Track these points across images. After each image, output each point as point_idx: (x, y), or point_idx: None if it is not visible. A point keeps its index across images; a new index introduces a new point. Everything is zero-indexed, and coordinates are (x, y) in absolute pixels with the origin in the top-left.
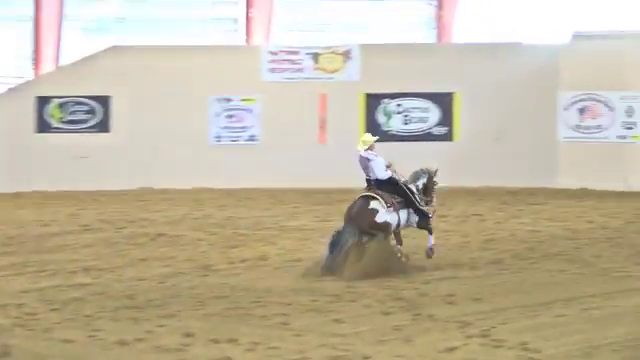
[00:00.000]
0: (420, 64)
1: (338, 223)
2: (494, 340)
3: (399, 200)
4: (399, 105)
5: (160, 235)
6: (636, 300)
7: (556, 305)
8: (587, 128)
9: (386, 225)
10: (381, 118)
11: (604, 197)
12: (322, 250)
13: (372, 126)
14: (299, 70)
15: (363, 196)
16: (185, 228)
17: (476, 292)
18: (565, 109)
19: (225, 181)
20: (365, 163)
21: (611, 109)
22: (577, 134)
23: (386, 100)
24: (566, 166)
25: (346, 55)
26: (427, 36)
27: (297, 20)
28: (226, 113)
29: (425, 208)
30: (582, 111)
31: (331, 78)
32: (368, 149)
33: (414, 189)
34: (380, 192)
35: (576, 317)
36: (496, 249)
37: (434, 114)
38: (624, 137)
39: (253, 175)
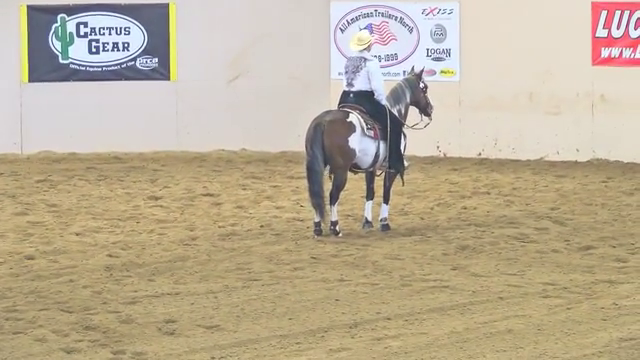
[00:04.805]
0: None
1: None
2: None
3: (380, 127)
4: (82, 24)
5: None
6: (450, 324)
7: (334, 333)
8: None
9: (351, 155)
10: (56, 44)
11: None
12: None
13: (40, 56)
14: None
15: (341, 109)
16: None
17: (210, 315)
18: (341, 29)
19: None
20: (357, 64)
21: (410, 29)
22: None
23: (62, 16)
24: None
25: None
26: None
27: None
28: None
29: (426, 122)
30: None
31: None
32: (365, 49)
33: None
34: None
35: (364, 352)
36: (243, 247)
37: (138, 37)
38: (431, 72)
39: None
